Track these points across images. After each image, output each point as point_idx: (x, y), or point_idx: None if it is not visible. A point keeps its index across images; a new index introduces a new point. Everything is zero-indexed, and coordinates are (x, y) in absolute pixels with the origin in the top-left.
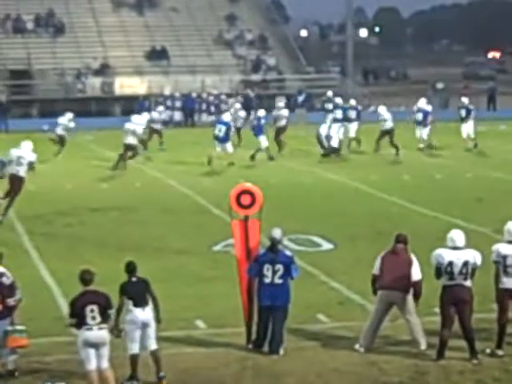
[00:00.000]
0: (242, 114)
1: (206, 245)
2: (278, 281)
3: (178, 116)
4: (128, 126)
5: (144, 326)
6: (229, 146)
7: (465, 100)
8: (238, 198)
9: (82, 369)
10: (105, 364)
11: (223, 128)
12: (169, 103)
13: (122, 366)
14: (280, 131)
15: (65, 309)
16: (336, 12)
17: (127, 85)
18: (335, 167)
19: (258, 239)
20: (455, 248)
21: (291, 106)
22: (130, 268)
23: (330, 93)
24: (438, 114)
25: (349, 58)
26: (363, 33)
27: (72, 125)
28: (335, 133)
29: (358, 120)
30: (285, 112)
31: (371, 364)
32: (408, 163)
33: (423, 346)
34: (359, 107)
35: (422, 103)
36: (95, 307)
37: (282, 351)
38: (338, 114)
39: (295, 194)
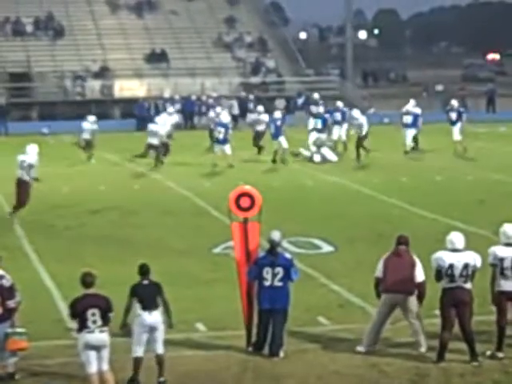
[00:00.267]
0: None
1: (205, 247)
2: (277, 283)
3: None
4: (152, 127)
5: (151, 329)
6: (227, 148)
7: (454, 103)
8: (237, 200)
9: (83, 372)
10: (105, 366)
11: (222, 130)
12: (168, 106)
13: (122, 370)
14: (259, 135)
15: (65, 312)
16: (335, 14)
17: (127, 87)
18: (335, 169)
19: (258, 242)
20: (455, 250)
21: (291, 108)
22: (143, 270)
23: (316, 95)
24: (437, 116)
25: (348, 60)
26: (362, 35)
27: (95, 126)
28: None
29: (344, 123)
30: (265, 117)
31: (372, 366)
32: (408, 165)
33: (423, 349)
34: (345, 109)
35: (411, 106)
36: (96, 311)
37: (282, 354)
38: (318, 123)
39: (295, 196)
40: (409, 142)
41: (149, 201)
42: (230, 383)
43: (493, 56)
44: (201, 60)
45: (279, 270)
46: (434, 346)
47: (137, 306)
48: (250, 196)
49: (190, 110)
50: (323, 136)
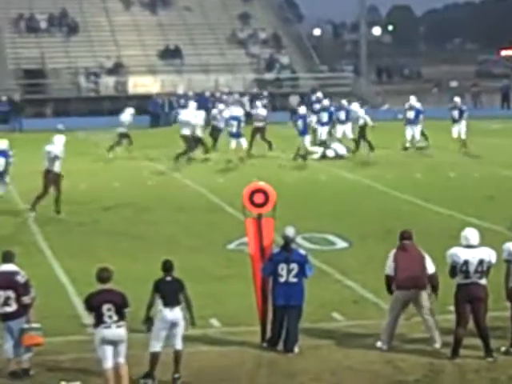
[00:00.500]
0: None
1: (219, 243)
2: (292, 280)
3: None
4: (183, 117)
5: (172, 325)
6: (243, 141)
7: (457, 100)
8: (251, 196)
9: (99, 367)
10: (121, 360)
11: (235, 123)
12: (182, 102)
13: (138, 364)
14: (258, 130)
15: (79, 307)
16: (349, 10)
17: (140, 84)
18: (349, 165)
19: (272, 238)
20: (469, 246)
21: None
22: (166, 266)
23: (319, 94)
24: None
25: (362, 56)
26: (376, 31)
27: (132, 120)
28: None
29: (348, 121)
30: (262, 112)
31: (386, 362)
32: (421, 161)
33: (438, 345)
34: (350, 108)
35: (413, 101)
36: (111, 306)
37: (296, 349)
38: (324, 116)
39: (309, 192)
40: (409, 138)
41: (163, 197)
42: (244, 379)
43: (507, 52)
44: (215, 56)
45: (294, 266)
46: (448, 342)
47: (159, 302)
48: (264, 192)
49: (204, 107)
50: (325, 129)
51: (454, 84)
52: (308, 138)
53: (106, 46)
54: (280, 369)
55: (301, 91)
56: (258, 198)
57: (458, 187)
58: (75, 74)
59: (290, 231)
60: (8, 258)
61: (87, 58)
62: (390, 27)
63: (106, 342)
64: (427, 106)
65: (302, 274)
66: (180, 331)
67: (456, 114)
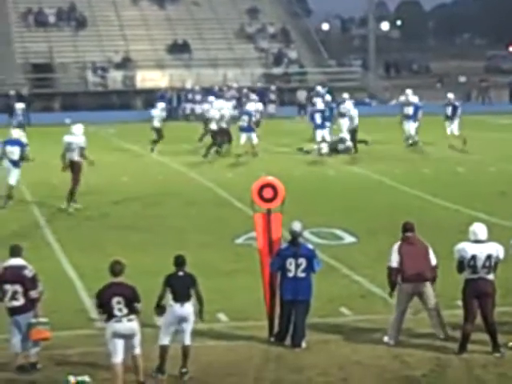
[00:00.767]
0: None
1: (228, 238)
2: (301, 274)
3: (199, 109)
4: (212, 112)
5: (181, 320)
6: (254, 136)
7: (451, 96)
8: (260, 191)
9: (107, 361)
10: (137, 351)
11: (246, 118)
12: (190, 96)
13: (148, 359)
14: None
15: (87, 302)
16: (358, 5)
17: (149, 78)
18: (357, 160)
19: (281, 233)
20: (477, 241)
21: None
22: (179, 261)
23: (319, 88)
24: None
25: (370, 51)
26: (385, 26)
27: (164, 114)
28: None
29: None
30: (259, 106)
31: (394, 357)
32: (429, 156)
33: (442, 335)
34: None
35: (410, 95)
36: (121, 299)
37: (304, 344)
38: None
39: (318, 186)
40: (413, 133)
41: (171, 191)
42: (251, 373)
43: None
44: (223, 51)
45: (302, 261)
46: (455, 337)
47: (169, 297)
48: (273, 187)
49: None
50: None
51: (462, 79)
52: (327, 132)
53: (114, 41)
54: (287, 363)
55: (309, 86)
56: (267, 193)
57: (466, 182)
58: (83, 68)
59: (296, 226)
60: (16, 252)
61: (95, 52)
62: (399, 22)
63: (118, 335)
64: (434, 102)
65: (310, 268)
66: (189, 327)
67: (449, 110)
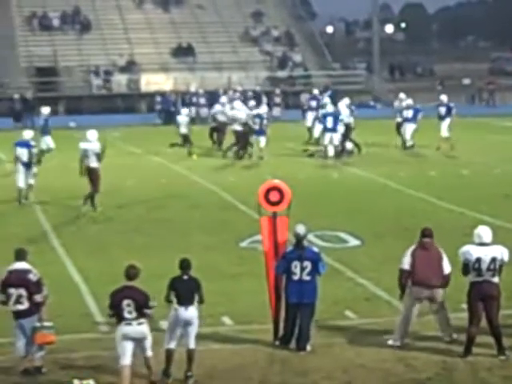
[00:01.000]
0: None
1: (232, 241)
2: (306, 278)
3: (204, 113)
4: (236, 113)
5: (186, 324)
6: (262, 140)
7: (443, 98)
8: (266, 194)
9: (113, 364)
10: (149, 353)
11: (257, 121)
12: (194, 100)
13: (154, 363)
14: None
15: (92, 306)
16: (362, 8)
17: (153, 82)
18: (362, 163)
19: (287, 236)
20: (482, 244)
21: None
22: (184, 265)
23: (315, 91)
24: (464, 110)
25: (375, 54)
26: (389, 29)
27: (188, 119)
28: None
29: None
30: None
31: (398, 360)
32: (433, 159)
33: (448, 338)
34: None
35: (406, 99)
36: (131, 302)
37: (309, 348)
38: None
39: (322, 190)
40: (408, 137)
41: (175, 195)
42: (256, 377)
43: None
44: (227, 54)
45: (307, 264)
46: (461, 340)
47: (174, 300)
48: (280, 190)
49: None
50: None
51: (466, 81)
52: (336, 136)
53: (118, 44)
54: (292, 367)
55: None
56: (274, 196)
57: (471, 185)
58: (88, 71)
59: (300, 229)
60: (21, 256)
61: (100, 55)
62: (403, 25)
63: (127, 338)
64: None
65: (315, 271)
66: (194, 330)
67: (443, 110)
